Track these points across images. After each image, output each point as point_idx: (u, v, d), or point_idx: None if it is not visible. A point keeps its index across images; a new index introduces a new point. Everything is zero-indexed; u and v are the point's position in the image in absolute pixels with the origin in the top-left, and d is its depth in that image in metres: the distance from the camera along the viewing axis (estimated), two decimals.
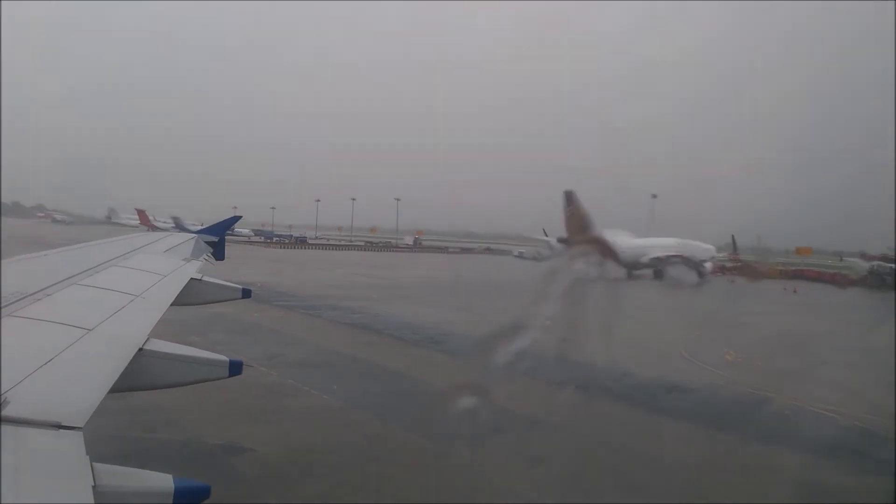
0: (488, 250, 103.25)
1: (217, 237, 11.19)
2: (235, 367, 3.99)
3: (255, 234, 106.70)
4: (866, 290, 60.98)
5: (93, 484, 1.89)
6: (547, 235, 64.18)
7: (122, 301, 4.29)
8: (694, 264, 58.44)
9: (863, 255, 67.24)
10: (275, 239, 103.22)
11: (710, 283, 58.78)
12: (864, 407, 15.26)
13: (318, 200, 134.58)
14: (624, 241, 61.80)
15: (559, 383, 16.66)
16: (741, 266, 72.17)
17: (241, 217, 17.52)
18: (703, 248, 63.83)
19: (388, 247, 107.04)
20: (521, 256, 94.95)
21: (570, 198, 60.71)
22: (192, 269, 7.11)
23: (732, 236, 66.02)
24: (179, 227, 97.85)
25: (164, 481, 2.33)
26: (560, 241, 62.61)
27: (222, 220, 12.53)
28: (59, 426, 2.11)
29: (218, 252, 10.75)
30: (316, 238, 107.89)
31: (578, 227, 59.87)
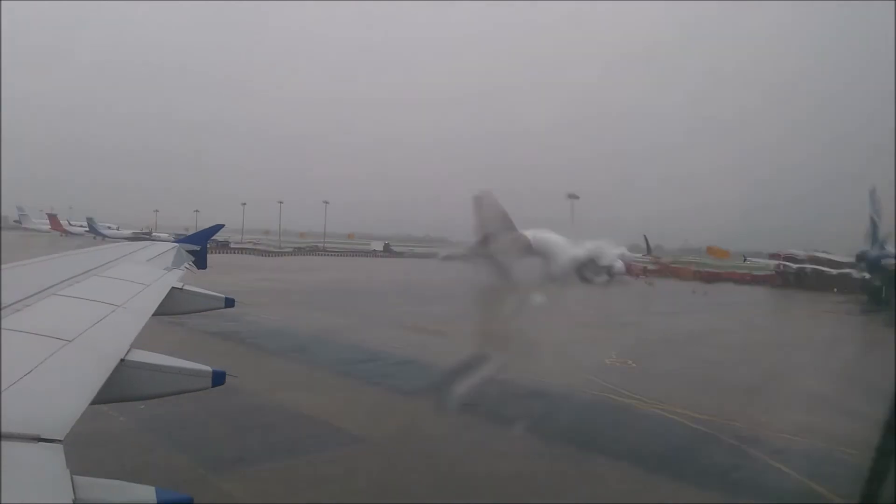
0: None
1: (199, 246, 11.10)
2: (218, 378, 3.96)
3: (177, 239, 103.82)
4: (773, 288, 63.32)
5: (73, 498, 1.87)
6: (466, 237, 64.38)
7: (103, 311, 4.24)
8: (604, 265, 60.96)
9: (772, 256, 69.73)
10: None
11: (625, 283, 61.48)
12: (723, 409, 15.20)
13: (245, 204, 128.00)
14: (545, 237, 63.67)
15: (400, 388, 16.65)
16: (659, 268, 77.60)
17: (223, 226, 17.32)
18: (615, 250, 66.11)
19: (347, 252, 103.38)
20: (447, 258, 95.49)
21: (482, 199, 61.89)
22: (174, 279, 7.04)
23: (645, 237, 68.27)
24: (93, 230, 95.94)
25: (146, 493, 2.31)
26: (478, 241, 63.77)
27: (204, 228, 12.44)
28: (39, 439, 2.09)
29: (200, 261, 10.65)
30: (241, 242, 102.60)
31: (496, 227, 61.63)
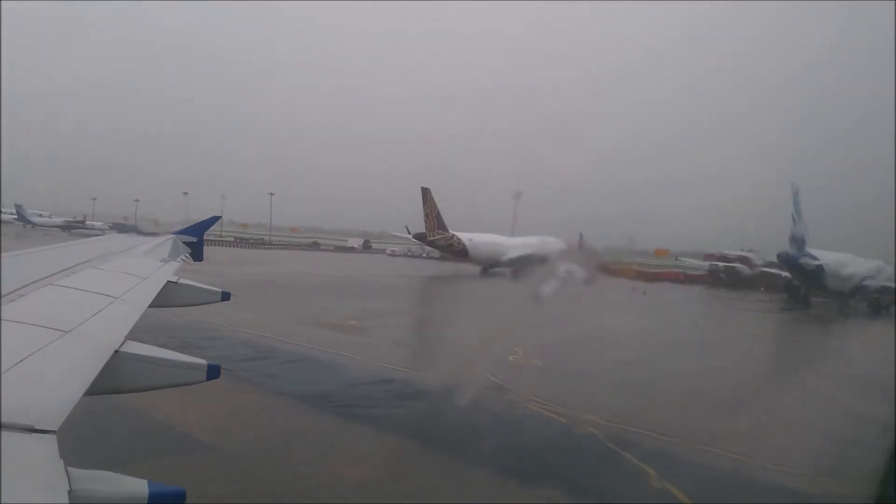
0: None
1: (195, 238, 11.07)
2: (213, 371, 3.96)
3: (111, 228, 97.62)
4: (708, 287, 64.79)
5: (67, 489, 1.87)
6: (409, 233, 65.14)
7: (98, 303, 4.23)
8: (541, 261, 61.19)
9: (707, 256, 71.17)
10: (132, 234, 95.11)
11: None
12: (607, 409, 15.07)
13: (186, 193, 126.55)
14: (482, 239, 64.96)
15: (279, 389, 15.71)
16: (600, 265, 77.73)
17: (220, 217, 17.27)
18: (559, 246, 66.09)
19: (313, 247, 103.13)
20: (393, 255, 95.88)
21: (426, 195, 62.57)
22: (170, 271, 7.02)
23: (580, 234, 68.88)
24: (22, 217, 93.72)
25: (138, 486, 2.31)
26: (416, 237, 64.41)
27: (201, 220, 12.40)
28: (33, 429, 2.09)
29: (196, 253, 10.63)
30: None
31: (433, 225, 62.74)
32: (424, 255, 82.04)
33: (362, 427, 13.14)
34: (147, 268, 6.64)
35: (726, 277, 64.89)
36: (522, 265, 61.85)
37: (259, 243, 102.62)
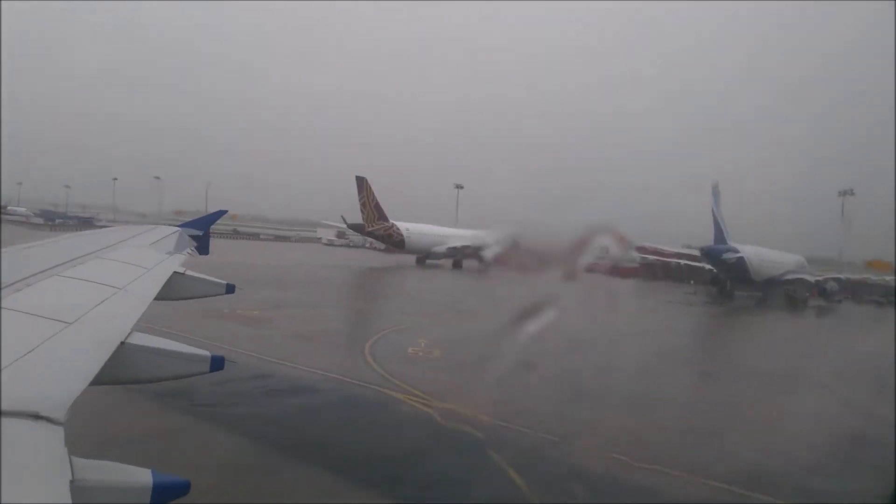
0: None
1: (202, 231, 11.10)
2: (217, 363, 3.98)
3: (38, 215, 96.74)
4: (640, 280, 64.96)
5: (70, 478, 1.87)
6: (346, 222, 64.49)
7: (104, 294, 4.25)
8: (479, 255, 62.06)
9: (638, 248, 71.10)
10: (58, 221, 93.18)
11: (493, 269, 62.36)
12: (491, 403, 14.13)
13: (116, 179, 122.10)
14: (419, 229, 64.79)
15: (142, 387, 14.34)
16: None
17: (226, 211, 17.28)
18: (496, 238, 65.89)
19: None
20: (330, 244, 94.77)
21: (362, 184, 62.08)
22: (176, 263, 7.05)
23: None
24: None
25: (142, 476, 2.32)
26: (351, 227, 63.91)
27: (208, 213, 12.43)
28: (38, 418, 2.10)
29: (202, 246, 10.66)
30: (115, 220, 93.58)
31: (371, 215, 62.35)
32: (367, 245, 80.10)
33: (210, 427, 11.98)
34: (153, 259, 6.66)
35: (658, 271, 65.63)
36: (458, 256, 62.39)
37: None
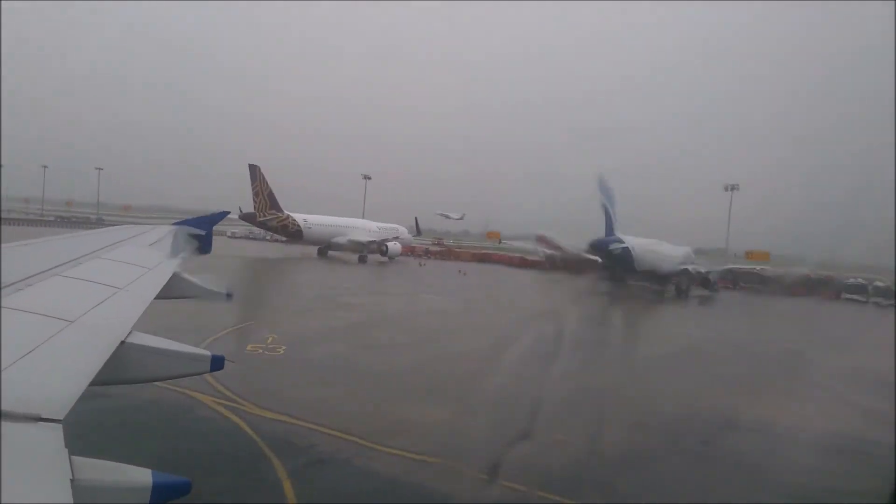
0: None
1: (204, 231, 11.09)
2: (217, 362, 3.98)
3: None
4: (539, 271, 64.64)
5: (71, 478, 1.88)
6: (241, 213, 63.01)
7: (105, 293, 4.25)
8: (378, 246, 63.06)
9: (538, 239, 72.37)
10: None
11: (399, 263, 63.16)
12: (314, 406, 12.95)
13: (46, 167, 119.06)
14: (317, 220, 64.23)
15: None
16: (443, 249, 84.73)
17: (229, 212, 17.12)
18: (401, 232, 68.38)
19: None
20: (234, 237, 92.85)
21: (255, 173, 60.92)
22: (176, 264, 7.05)
23: (416, 219, 70.82)
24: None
25: (143, 476, 2.32)
26: (243, 217, 62.68)
27: (211, 213, 12.42)
28: (39, 418, 2.10)
29: (204, 246, 10.66)
30: (10, 212, 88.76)
31: (264, 205, 61.25)
32: (269, 237, 78.40)
33: None
34: (153, 259, 6.66)
35: (557, 262, 66.47)
36: (363, 252, 62.15)
37: (86, 222, 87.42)
